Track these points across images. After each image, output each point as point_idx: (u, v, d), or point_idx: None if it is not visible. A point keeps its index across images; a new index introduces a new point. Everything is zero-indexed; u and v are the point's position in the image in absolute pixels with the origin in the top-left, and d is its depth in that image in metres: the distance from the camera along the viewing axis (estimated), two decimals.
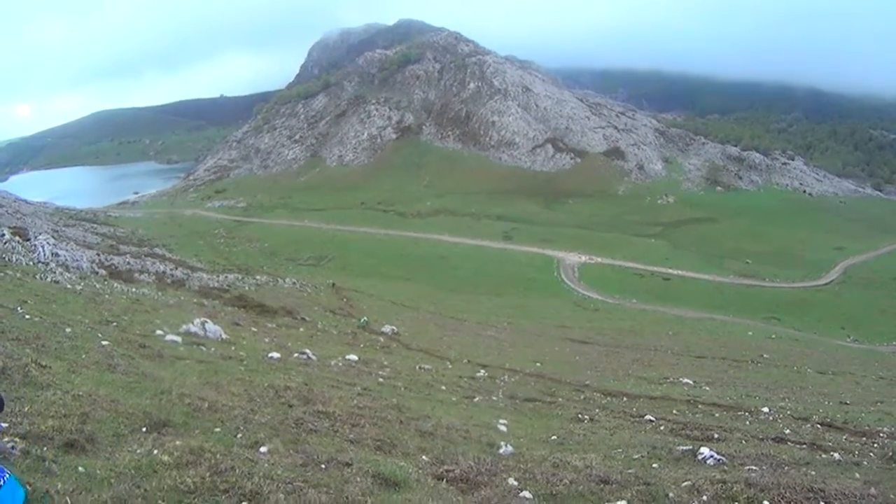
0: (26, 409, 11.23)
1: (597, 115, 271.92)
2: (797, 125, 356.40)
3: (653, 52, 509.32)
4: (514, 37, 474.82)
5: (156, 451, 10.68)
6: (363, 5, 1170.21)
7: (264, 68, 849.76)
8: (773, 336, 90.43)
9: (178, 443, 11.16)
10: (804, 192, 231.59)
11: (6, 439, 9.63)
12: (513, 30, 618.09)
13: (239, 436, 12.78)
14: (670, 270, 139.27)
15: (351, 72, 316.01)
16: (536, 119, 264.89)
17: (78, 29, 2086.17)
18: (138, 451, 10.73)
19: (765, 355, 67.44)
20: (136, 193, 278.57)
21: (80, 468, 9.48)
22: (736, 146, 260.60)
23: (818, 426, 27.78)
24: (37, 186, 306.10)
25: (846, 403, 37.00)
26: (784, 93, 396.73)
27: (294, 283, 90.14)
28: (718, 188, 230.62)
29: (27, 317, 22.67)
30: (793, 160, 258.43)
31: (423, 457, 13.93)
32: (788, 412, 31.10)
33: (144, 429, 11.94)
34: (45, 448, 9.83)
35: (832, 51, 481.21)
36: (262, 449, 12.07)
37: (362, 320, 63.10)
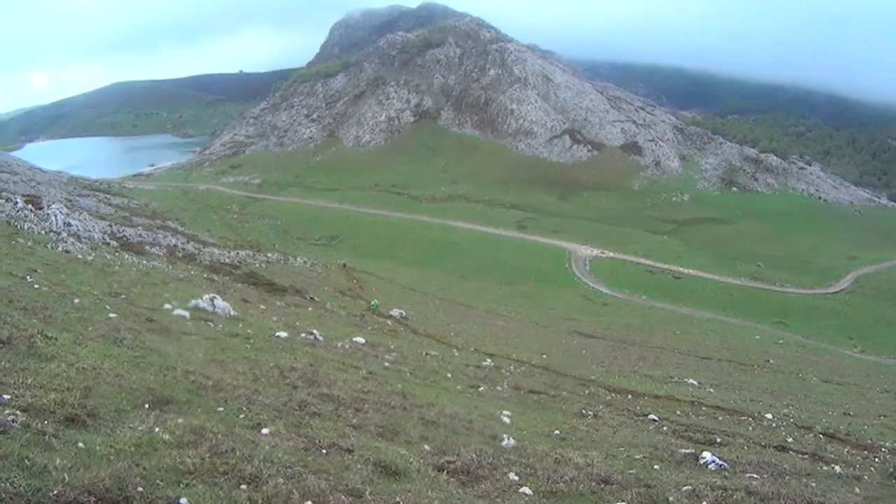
0: (29, 381, 11.19)
1: (616, 108, 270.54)
2: (816, 130, 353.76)
3: (675, 49, 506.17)
4: (536, 26, 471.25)
5: (157, 429, 10.64)
6: None
7: (285, 46, 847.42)
8: (780, 341, 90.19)
9: (180, 421, 11.13)
10: (819, 198, 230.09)
11: (7, 412, 9.61)
12: (536, 19, 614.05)
13: (241, 416, 12.75)
14: (681, 269, 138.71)
15: (371, 53, 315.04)
16: (555, 109, 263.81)
17: None
18: (140, 428, 10.68)
19: (771, 360, 67.33)
20: (152, 166, 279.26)
21: (80, 443, 9.44)
22: (753, 148, 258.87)
23: (821, 436, 27.82)
24: (52, 155, 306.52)
25: (849, 415, 36.96)
26: (805, 97, 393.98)
27: (305, 263, 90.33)
28: (734, 189, 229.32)
29: (36, 286, 22.70)
30: (810, 165, 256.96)
31: (425, 446, 13.89)
32: (792, 420, 31.11)
33: (147, 405, 11.89)
34: (45, 422, 9.78)
35: (855, 58, 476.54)
36: (264, 431, 12.04)
37: (373, 303, 63.13)
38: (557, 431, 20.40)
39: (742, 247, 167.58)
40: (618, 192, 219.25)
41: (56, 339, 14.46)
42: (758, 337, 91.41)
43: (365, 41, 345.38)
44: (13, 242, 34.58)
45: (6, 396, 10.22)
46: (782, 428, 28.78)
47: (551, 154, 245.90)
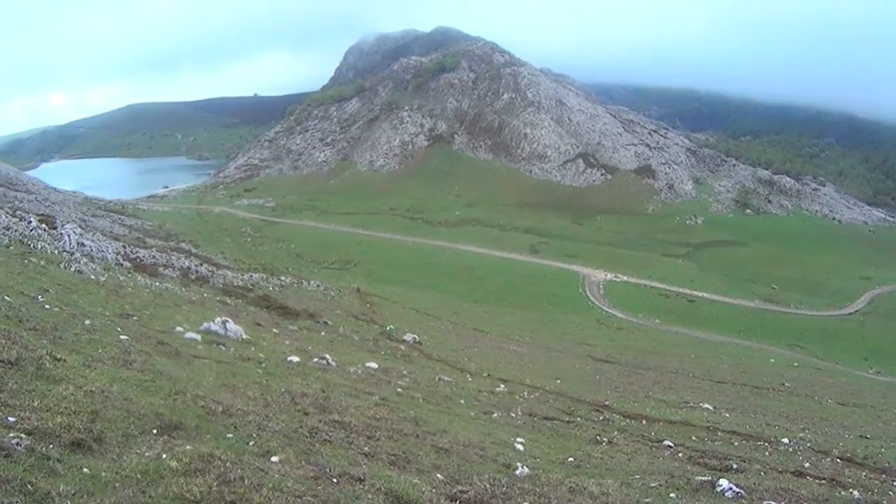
0: (36, 403, 10.99)
1: (629, 131, 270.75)
2: (829, 151, 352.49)
3: (688, 71, 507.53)
4: (549, 50, 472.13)
5: (164, 456, 10.43)
6: (401, 11, 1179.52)
7: (299, 70, 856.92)
8: (796, 364, 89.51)
9: (188, 448, 10.93)
10: (833, 219, 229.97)
11: (12, 434, 9.43)
12: (549, 43, 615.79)
13: (251, 443, 12.51)
14: (695, 292, 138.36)
15: (385, 77, 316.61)
16: (569, 133, 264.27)
17: (117, 22, 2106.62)
18: (147, 454, 10.49)
19: (786, 383, 66.68)
20: (166, 188, 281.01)
21: (86, 469, 9.26)
22: (767, 169, 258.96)
23: (838, 461, 27.38)
24: (67, 175, 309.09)
25: (866, 438, 36.46)
26: (818, 117, 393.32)
27: (318, 286, 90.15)
28: (748, 211, 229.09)
29: (47, 306, 22.58)
30: (823, 186, 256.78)
31: (438, 475, 13.61)
32: (808, 444, 30.66)
33: (155, 430, 11.69)
34: (51, 446, 9.61)
35: (867, 77, 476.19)
36: (274, 458, 11.79)
37: (388, 328, 62.91)
38: (572, 459, 20.11)
39: (756, 269, 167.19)
40: (631, 215, 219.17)
41: (65, 360, 14.28)
42: (773, 360, 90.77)
43: (379, 65, 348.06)
44: (26, 261, 34.58)
45: (11, 419, 10.05)
46: (799, 453, 28.37)
47: (565, 178, 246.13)
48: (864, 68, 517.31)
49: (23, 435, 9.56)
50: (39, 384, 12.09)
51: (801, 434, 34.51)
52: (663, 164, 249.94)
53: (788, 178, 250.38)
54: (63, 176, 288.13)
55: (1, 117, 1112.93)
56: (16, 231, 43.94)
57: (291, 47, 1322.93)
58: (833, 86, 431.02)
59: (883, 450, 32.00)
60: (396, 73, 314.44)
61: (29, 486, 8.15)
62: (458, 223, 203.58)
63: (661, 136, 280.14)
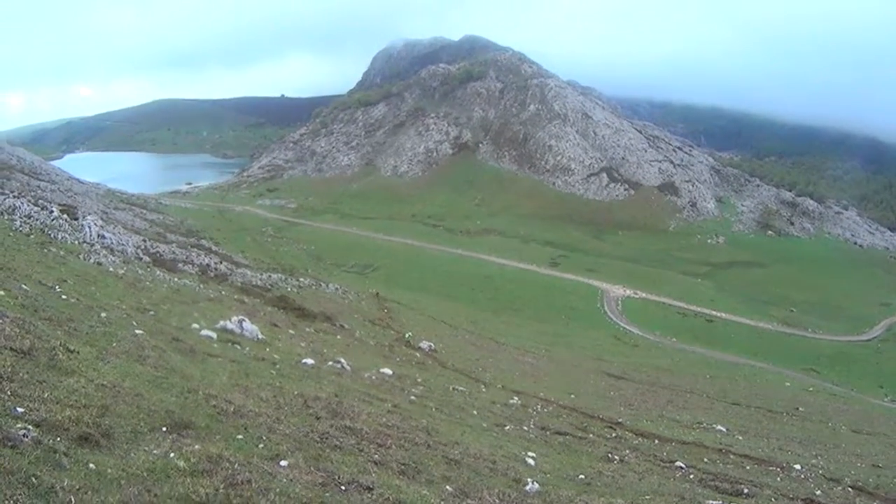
0: (46, 395, 10.90)
1: (654, 147, 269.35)
2: (853, 174, 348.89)
3: (714, 89, 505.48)
4: (577, 62, 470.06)
5: (172, 455, 10.31)
6: (430, 19, 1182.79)
7: (327, 73, 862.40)
8: (811, 388, 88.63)
9: (196, 447, 10.80)
10: (855, 243, 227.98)
11: (19, 425, 9.32)
12: (576, 55, 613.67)
13: (261, 446, 12.37)
14: (714, 312, 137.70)
15: (412, 83, 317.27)
16: (593, 147, 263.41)
17: (146, 17, 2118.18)
18: (154, 451, 10.37)
19: (800, 408, 66.01)
20: (189, 184, 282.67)
21: (92, 465, 9.14)
22: (790, 191, 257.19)
23: (850, 489, 27.11)
24: (91, 167, 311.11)
25: (879, 466, 36.02)
26: (842, 140, 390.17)
27: (337, 289, 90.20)
28: (769, 232, 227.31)
29: (64, 297, 22.55)
30: (846, 210, 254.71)
31: (447, 486, 13.42)
32: (820, 471, 30.35)
33: (165, 428, 11.58)
34: (58, 439, 9.51)
35: (893, 101, 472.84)
36: (283, 462, 11.65)
37: (406, 335, 62.76)
38: (582, 476, 19.87)
39: (775, 291, 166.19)
40: (653, 232, 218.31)
41: (78, 352, 14.20)
42: (788, 383, 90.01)
43: (406, 72, 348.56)
44: (45, 251, 34.65)
45: (20, 409, 9.94)
46: (810, 480, 28.05)
47: (588, 192, 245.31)
48: (890, 93, 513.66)
49: (30, 426, 9.46)
50: (51, 375, 12.01)
51: (814, 460, 34.18)
52: (687, 181, 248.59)
53: (811, 201, 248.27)
54: (87, 167, 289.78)
55: (28, 107, 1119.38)
56: (37, 220, 44.11)
57: (319, 50, 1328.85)
58: (859, 108, 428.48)
59: (895, 479, 31.67)
60: (424, 80, 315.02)
61: (33, 479, 8.05)
62: (479, 232, 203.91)
63: (686, 153, 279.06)
